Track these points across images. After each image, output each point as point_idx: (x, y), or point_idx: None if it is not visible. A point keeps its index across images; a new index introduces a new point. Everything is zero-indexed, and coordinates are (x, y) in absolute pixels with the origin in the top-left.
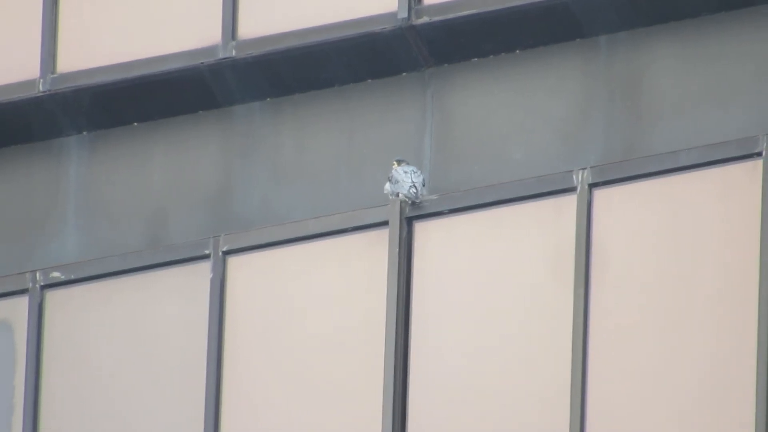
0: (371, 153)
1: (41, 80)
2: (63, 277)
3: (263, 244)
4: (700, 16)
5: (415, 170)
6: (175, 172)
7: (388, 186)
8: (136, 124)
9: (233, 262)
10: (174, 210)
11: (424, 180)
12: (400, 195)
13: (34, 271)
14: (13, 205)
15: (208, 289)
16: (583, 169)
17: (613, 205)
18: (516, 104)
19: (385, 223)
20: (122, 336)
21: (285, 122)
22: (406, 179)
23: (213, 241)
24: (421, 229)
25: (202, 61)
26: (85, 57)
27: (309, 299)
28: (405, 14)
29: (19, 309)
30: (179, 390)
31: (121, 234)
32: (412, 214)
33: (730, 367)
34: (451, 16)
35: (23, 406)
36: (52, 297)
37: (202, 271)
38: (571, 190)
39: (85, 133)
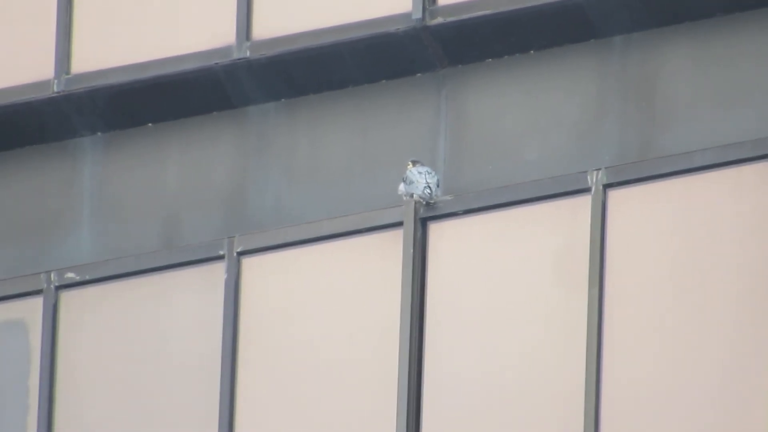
0: (385, 154)
1: (56, 81)
2: (78, 278)
3: (278, 244)
4: (715, 17)
5: (429, 171)
6: (190, 172)
7: (402, 187)
8: (150, 124)
9: (248, 262)
10: (188, 211)
11: (438, 181)
12: (414, 196)
13: (48, 272)
14: (28, 205)
15: (223, 290)
16: (598, 169)
17: (628, 205)
18: (530, 105)
19: (399, 224)
20: (136, 337)
21: (299, 123)
22: (420, 180)
23: (227, 241)
24: (435, 229)
25: (216, 62)
26: (100, 57)
27: (323, 300)
28: (419, 15)
29: (33, 310)
30: (194, 391)
31: (136, 235)
32: (427, 215)
33: (746, 370)
34: (465, 16)
35: (38, 406)
36: (67, 298)
37: (217, 272)
38: (585, 190)
39: (99, 133)
